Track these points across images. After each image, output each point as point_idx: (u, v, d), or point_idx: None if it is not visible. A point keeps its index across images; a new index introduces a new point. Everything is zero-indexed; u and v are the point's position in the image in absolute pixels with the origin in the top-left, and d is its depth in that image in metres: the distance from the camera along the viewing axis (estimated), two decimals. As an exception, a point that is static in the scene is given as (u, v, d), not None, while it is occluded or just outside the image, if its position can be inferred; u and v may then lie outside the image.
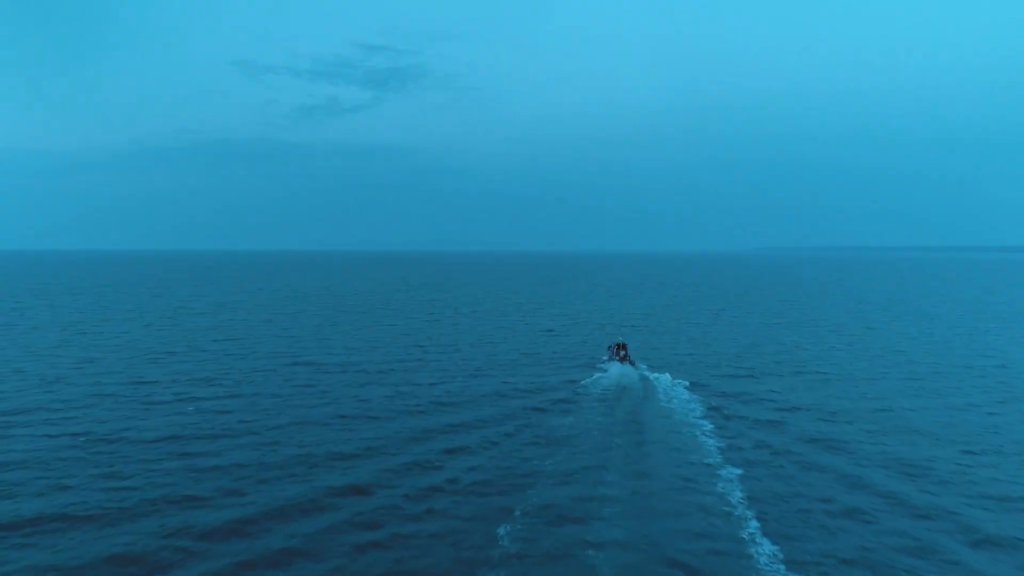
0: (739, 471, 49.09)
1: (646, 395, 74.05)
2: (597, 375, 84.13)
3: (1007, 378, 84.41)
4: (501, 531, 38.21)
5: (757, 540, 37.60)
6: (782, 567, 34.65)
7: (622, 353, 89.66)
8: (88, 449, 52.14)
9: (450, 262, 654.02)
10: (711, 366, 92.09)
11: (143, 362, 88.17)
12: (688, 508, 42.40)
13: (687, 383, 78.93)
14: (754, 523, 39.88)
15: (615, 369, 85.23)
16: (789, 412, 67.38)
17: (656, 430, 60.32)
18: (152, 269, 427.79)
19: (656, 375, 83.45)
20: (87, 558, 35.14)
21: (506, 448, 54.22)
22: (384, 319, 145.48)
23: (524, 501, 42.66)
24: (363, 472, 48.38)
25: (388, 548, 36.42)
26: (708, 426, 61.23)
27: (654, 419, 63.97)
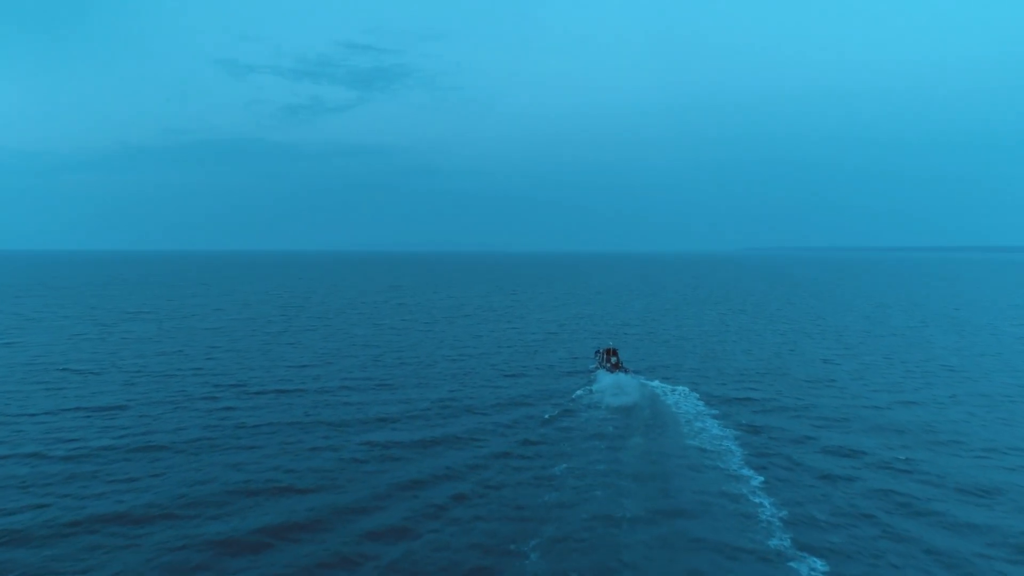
0: (785, 513, 41.77)
1: (658, 414, 63.60)
2: (591, 386, 75.85)
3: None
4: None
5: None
6: None
7: (614, 360, 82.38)
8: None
9: (437, 262, 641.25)
10: (731, 380, 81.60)
11: (37, 387, 73.53)
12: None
13: (700, 395, 71.29)
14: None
15: (609, 379, 76.85)
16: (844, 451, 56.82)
17: (684, 470, 49.81)
18: (125, 270, 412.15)
19: (664, 386, 75.27)
20: None
21: (491, 502, 43.95)
22: (342, 327, 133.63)
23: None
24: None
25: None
26: (747, 470, 50.51)
27: (680, 454, 53.08)
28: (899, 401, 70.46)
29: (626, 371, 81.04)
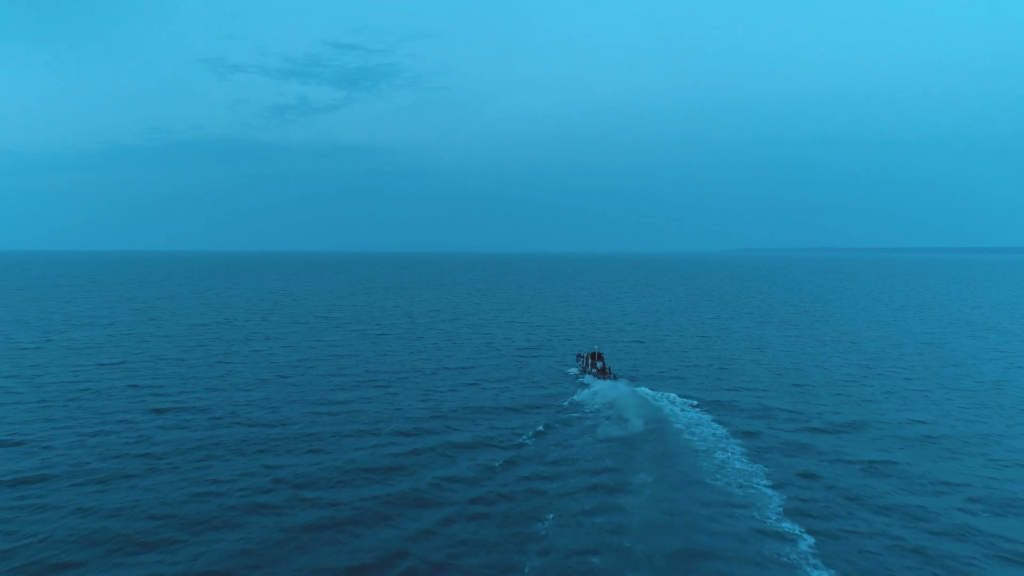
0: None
1: (665, 440, 53.84)
2: (581, 394, 69.35)
3: None
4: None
5: None
6: None
7: (599, 365, 76.81)
8: None
9: (425, 264, 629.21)
10: (747, 394, 71.48)
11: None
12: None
13: (702, 406, 64.16)
14: None
15: (598, 386, 71.15)
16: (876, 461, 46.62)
17: (706, 524, 39.22)
18: (102, 271, 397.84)
19: (667, 398, 67.24)
20: None
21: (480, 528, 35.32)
22: (310, 333, 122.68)
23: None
24: None
25: None
26: (788, 524, 39.79)
27: (700, 500, 42.48)
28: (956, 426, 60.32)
29: (615, 377, 75.08)
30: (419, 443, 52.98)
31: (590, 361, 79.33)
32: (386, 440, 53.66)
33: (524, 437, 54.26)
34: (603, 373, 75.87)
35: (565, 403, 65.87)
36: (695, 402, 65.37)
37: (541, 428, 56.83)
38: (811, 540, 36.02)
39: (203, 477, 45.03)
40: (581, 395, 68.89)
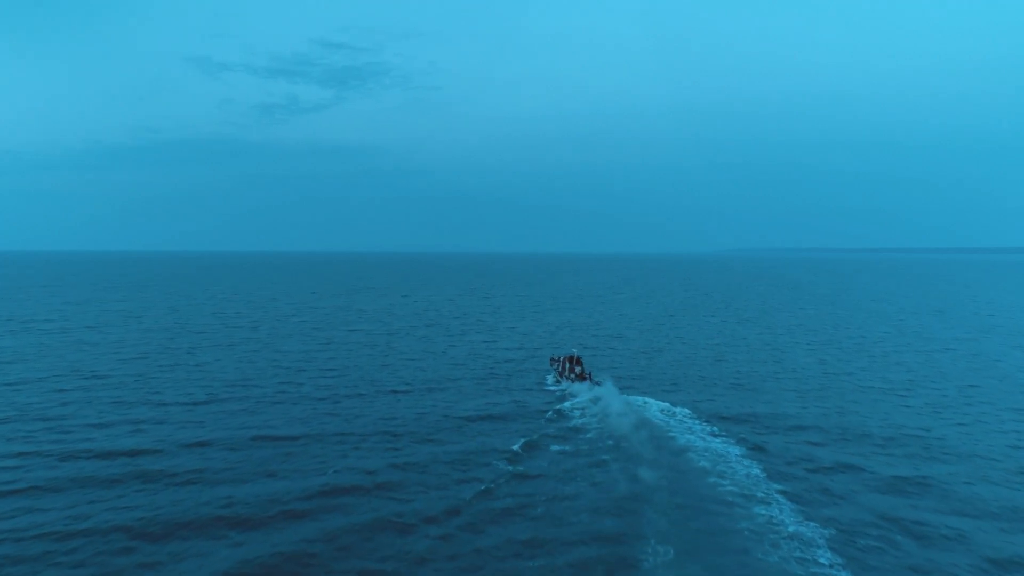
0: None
1: (676, 470, 43.12)
2: (566, 404, 60.89)
3: None
4: None
5: None
6: None
7: (578, 370, 68.19)
8: None
9: (414, 264, 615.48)
10: (767, 413, 58.97)
11: None
12: None
13: (716, 427, 54.08)
14: None
15: (581, 397, 62.48)
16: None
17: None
18: (73, 271, 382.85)
19: (678, 417, 57.26)
20: None
21: None
22: (271, 341, 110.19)
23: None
24: None
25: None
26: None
27: (727, 551, 30.80)
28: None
29: (596, 383, 65.37)
30: (352, 482, 40.67)
31: (567, 365, 70.09)
32: (314, 484, 41.25)
33: (470, 489, 41.10)
34: (582, 379, 67.15)
35: (541, 422, 55.32)
36: (718, 430, 53.57)
37: (508, 467, 44.62)
38: None
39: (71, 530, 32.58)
40: (562, 407, 60.13)
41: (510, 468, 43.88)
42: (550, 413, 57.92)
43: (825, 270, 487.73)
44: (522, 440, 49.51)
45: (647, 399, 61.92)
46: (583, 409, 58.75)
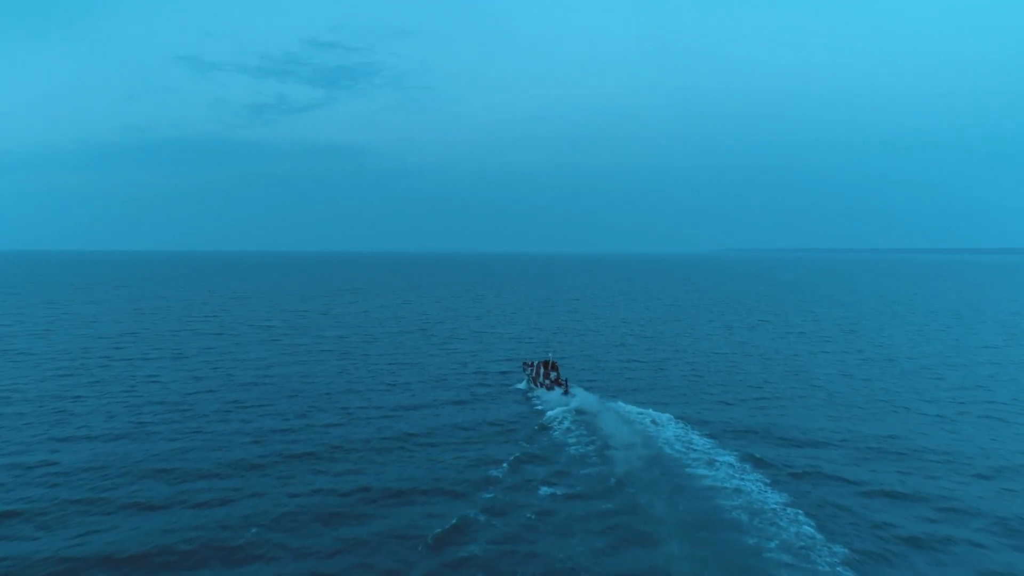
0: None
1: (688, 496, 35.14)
2: (548, 415, 53.54)
3: None
4: None
5: None
6: None
7: (553, 376, 61.38)
8: None
9: (405, 264, 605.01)
10: (795, 436, 48.52)
11: None
12: None
13: (738, 453, 46.11)
14: None
15: (556, 410, 54.89)
16: None
17: None
18: (52, 271, 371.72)
19: (689, 436, 49.48)
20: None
21: None
22: (231, 349, 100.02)
23: None
24: None
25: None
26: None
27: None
28: None
29: (571, 394, 58.01)
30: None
31: (542, 371, 63.19)
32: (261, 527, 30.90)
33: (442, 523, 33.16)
34: (557, 384, 60.57)
35: (521, 439, 47.91)
36: (731, 453, 44.24)
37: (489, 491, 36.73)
38: None
39: None
40: (541, 421, 52.99)
41: (480, 512, 34.90)
42: (536, 424, 51.36)
43: (825, 271, 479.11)
44: (510, 456, 43.32)
45: (655, 412, 54.87)
46: (557, 416, 53.20)
